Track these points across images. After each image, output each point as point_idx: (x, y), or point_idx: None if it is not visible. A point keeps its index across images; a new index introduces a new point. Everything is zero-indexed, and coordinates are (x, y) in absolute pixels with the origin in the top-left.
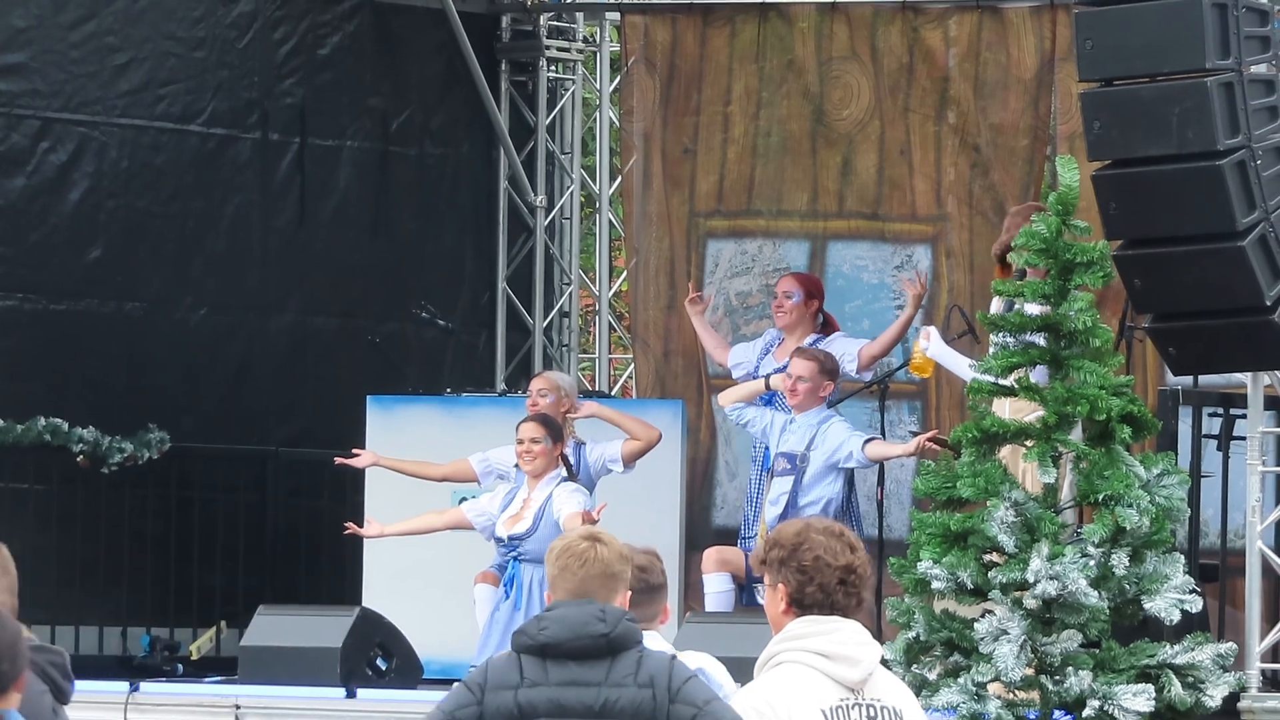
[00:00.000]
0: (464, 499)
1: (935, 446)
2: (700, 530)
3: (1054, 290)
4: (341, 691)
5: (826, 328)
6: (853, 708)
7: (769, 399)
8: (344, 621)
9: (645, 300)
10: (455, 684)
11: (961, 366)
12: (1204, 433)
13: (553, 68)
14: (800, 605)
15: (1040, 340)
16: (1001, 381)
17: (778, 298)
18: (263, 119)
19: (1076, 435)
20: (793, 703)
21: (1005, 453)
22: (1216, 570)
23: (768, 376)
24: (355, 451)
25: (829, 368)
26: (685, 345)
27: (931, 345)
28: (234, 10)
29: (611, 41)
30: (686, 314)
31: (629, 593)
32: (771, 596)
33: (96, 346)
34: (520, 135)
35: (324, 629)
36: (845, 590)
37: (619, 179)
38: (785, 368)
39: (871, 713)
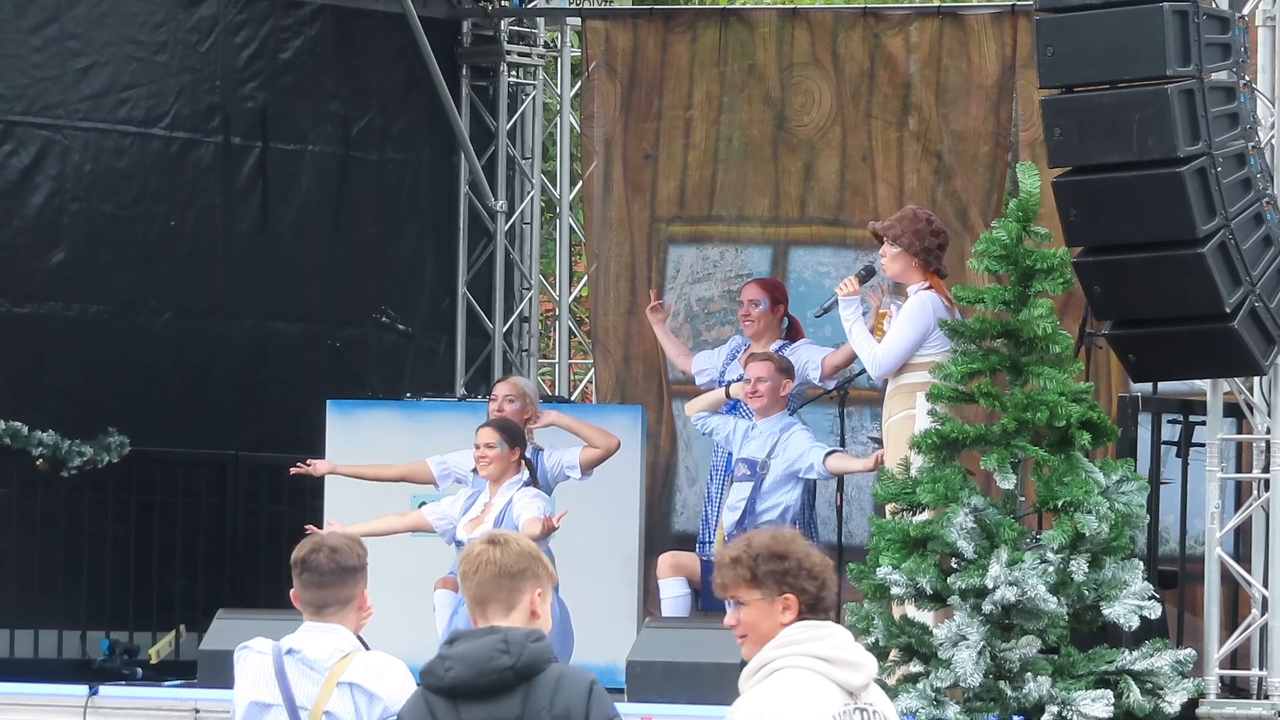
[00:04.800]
0: (423, 503)
1: None
2: (660, 536)
3: (1014, 296)
4: None
5: (791, 332)
6: (854, 712)
7: (731, 407)
8: None
9: (605, 305)
10: None
11: (864, 349)
12: (1163, 439)
13: (513, 73)
14: (814, 612)
15: (1000, 346)
16: (962, 388)
17: (744, 305)
18: (225, 123)
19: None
20: (798, 710)
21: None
22: (1175, 577)
23: (728, 386)
24: (309, 461)
25: (784, 366)
26: (646, 350)
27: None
28: (195, 14)
29: (573, 47)
30: (648, 319)
31: (540, 591)
32: (766, 610)
33: (60, 350)
34: (481, 140)
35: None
36: (833, 591)
37: (580, 184)
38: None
39: (867, 718)
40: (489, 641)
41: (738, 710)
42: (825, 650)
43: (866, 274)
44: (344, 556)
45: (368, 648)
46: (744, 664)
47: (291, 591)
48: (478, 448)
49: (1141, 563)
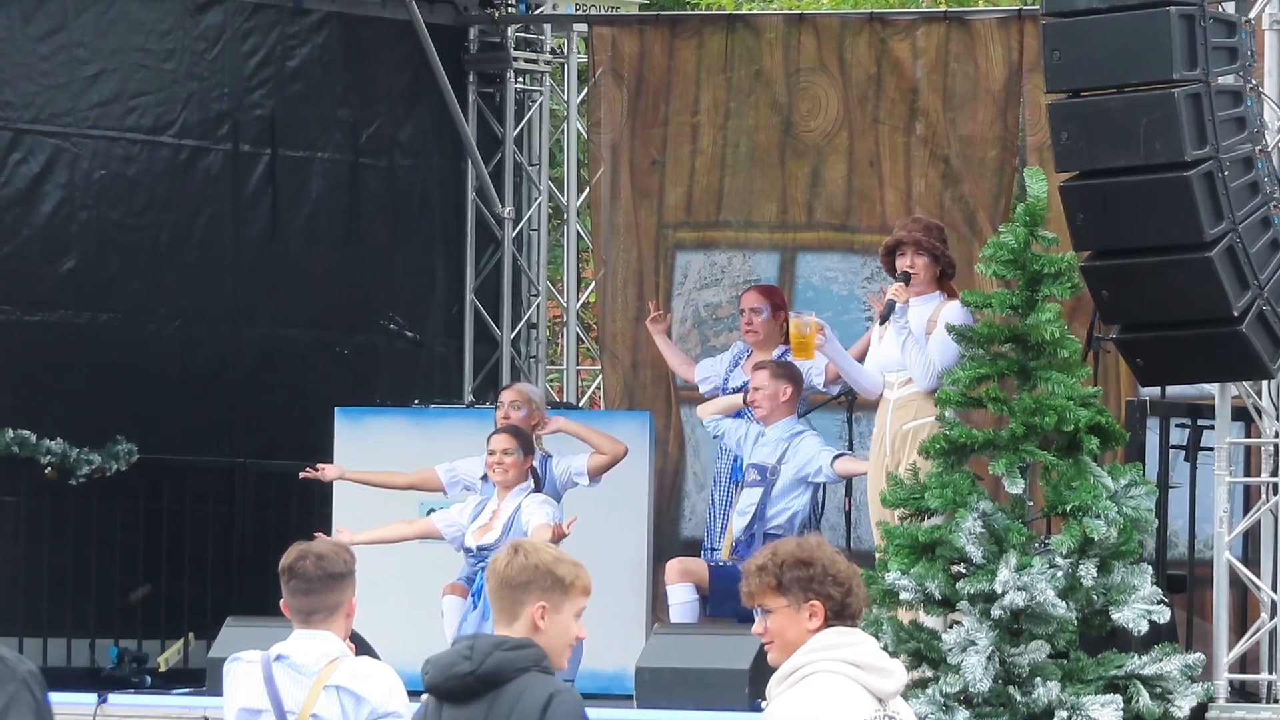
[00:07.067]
0: (431, 510)
1: None
2: (668, 542)
3: (1022, 301)
4: None
5: None
6: (883, 719)
7: (741, 412)
8: None
9: (613, 311)
10: None
11: (916, 360)
12: (1172, 443)
13: (520, 79)
14: (840, 618)
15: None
16: (970, 393)
17: (745, 315)
18: (233, 130)
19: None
20: (834, 714)
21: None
22: (1184, 581)
23: (742, 392)
24: (319, 466)
25: (782, 372)
26: (653, 357)
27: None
28: (202, 22)
29: (579, 53)
30: None
31: (544, 605)
32: (793, 616)
33: (70, 357)
34: (488, 147)
35: None
36: (859, 597)
37: (587, 190)
38: None
39: None
40: (458, 648)
41: (773, 714)
42: (857, 656)
43: (906, 280)
44: (330, 563)
45: (372, 650)
46: (773, 670)
47: (281, 601)
48: (492, 454)
49: (1150, 567)
